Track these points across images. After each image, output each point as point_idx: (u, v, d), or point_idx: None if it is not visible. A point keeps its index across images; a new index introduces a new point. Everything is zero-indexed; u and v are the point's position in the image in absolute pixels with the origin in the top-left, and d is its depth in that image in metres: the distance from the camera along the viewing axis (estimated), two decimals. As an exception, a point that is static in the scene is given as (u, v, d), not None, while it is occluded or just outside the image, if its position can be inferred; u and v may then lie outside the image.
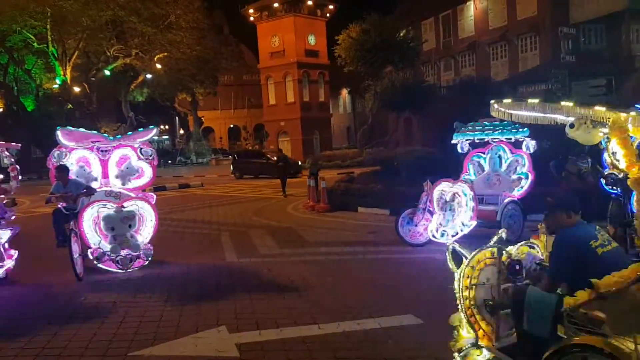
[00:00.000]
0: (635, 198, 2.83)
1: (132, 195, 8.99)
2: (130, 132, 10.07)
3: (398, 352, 5.02)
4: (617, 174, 7.80)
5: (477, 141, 10.62)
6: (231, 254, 9.83)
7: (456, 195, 9.51)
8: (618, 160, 2.89)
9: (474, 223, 9.55)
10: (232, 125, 65.95)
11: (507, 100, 3.44)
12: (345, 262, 8.90)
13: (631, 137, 3.66)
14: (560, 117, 3.40)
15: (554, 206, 3.75)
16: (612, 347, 3.02)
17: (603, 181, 8.61)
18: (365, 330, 5.62)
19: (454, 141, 10.68)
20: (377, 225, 12.14)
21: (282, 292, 7.21)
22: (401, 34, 34.19)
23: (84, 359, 5.13)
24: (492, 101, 3.48)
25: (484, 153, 10.73)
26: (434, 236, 9.42)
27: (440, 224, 9.46)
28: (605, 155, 6.86)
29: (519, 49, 33.96)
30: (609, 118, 2.97)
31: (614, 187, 8.31)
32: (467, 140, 10.58)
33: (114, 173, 9.21)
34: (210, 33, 42.07)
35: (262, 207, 16.79)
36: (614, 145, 2.90)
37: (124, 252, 8.43)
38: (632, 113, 2.98)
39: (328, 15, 45.44)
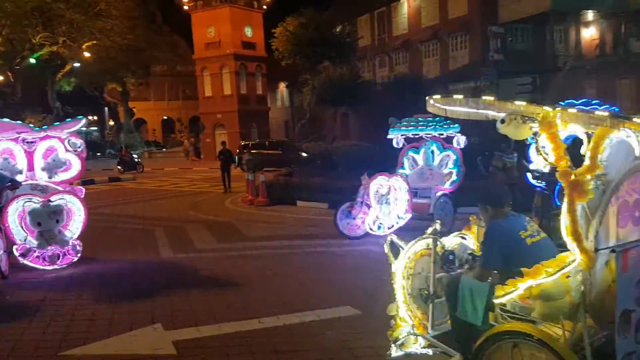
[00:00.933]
0: (565, 190, 2.98)
1: (60, 188, 8.59)
2: (57, 123, 9.60)
3: (337, 342, 5.08)
4: (542, 168, 8.23)
5: (412, 136, 10.89)
6: (166, 250, 9.59)
7: (392, 188, 9.73)
8: (547, 154, 3.03)
9: (409, 215, 9.81)
10: (165, 117, 64.24)
11: (439, 96, 3.54)
12: (284, 256, 8.90)
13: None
14: (492, 113, 3.53)
15: (484, 199, 3.90)
16: (542, 333, 3.18)
17: (529, 175, 9.05)
18: (305, 323, 5.65)
19: (389, 136, 10.91)
20: (316, 218, 12.21)
21: (220, 288, 7.12)
22: (338, 30, 34.41)
23: (11, 360, 4.87)
24: (427, 97, 3.57)
25: (417, 148, 11.02)
26: (371, 229, 9.61)
27: (377, 217, 9.64)
28: (532, 150, 7.22)
29: (450, 47, 34.99)
30: (538, 113, 3.11)
31: (539, 181, 8.76)
32: (402, 135, 10.83)
33: (40, 165, 8.77)
34: (143, 22, 40.62)
35: (199, 202, 16.48)
36: (544, 139, 3.05)
37: (51, 248, 8.04)
38: (570, 110, 3.14)
39: (265, 7, 44.98)
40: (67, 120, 9.51)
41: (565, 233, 2.94)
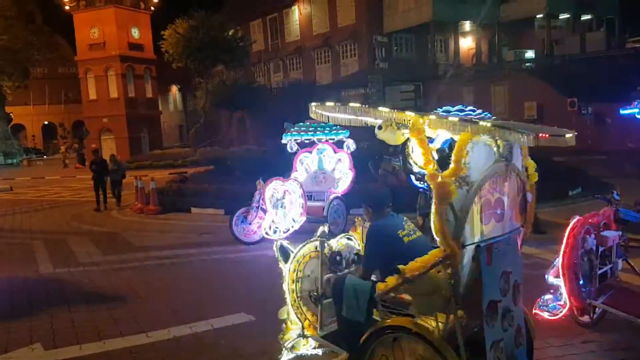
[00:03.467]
0: (433, 191, 3.21)
1: None
2: None
3: (230, 351, 5.05)
4: (424, 170, 8.71)
5: (305, 141, 11.08)
6: (46, 265, 8.96)
7: (287, 193, 9.82)
8: (417, 158, 3.24)
9: (304, 219, 9.95)
10: (46, 122, 59.94)
11: (317, 104, 3.67)
12: (176, 266, 8.67)
13: (431, 138, 4.16)
14: (370, 120, 3.71)
15: (365, 201, 4.08)
16: (418, 326, 3.38)
17: (412, 177, 9.53)
18: (197, 333, 5.55)
19: (283, 141, 11.01)
20: (211, 225, 12.00)
21: (105, 303, 6.77)
22: (230, 33, 34.16)
23: None
24: (311, 104, 3.68)
25: (310, 152, 11.23)
26: (267, 233, 9.62)
27: (273, 221, 9.68)
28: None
29: (341, 55, 36.01)
30: (409, 120, 3.32)
31: (421, 182, 9.27)
32: (295, 140, 10.98)
33: None
34: (20, 21, 37.73)
35: (82, 212, 15.54)
36: (414, 144, 3.26)
37: None
38: (431, 116, 3.37)
39: (152, 8, 43.51)
40: None
41: (434, 230, 3.16)
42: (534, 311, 5.13)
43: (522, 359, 3.59)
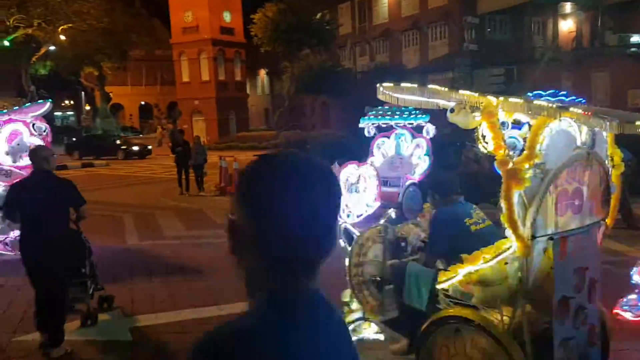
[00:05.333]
0: (503, 178, 3.03)
1: (24, 173, 8.43)
2: (21, 106, 9.41)
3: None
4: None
5: (384, 125, 10.93)
6: (133, 237, 9.52)
7: (361, 177, 9.75)
8: (487, 143, 3.07)
9: (378, 204, 9.83)
10: (143, 103, 63.35)
11: (389, 84, 3.56)
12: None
13: (519, 125, 3.94)
14: (442, 102, 3.56)
15: (432, 187, 3.95)
16: (482, 318, 3.24)
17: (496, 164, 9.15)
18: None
19: (361, 125, 10.93)
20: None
21: (184, 275, 7.09)
22: (317, 16, 34.24)
23: (-38, 345, 4.81)
24: (378, 84, 3.58)
25: (388, 137, 11.06)
26: (340, 217, 9.63)
27: (347, 205, 9.66)
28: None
29: (429, 37, 35.03)
30: (481, 103, 3.15)
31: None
32: (373, 124, 10.86)
33: (4, 149, 8.59)
34: (120, 5, 39.93)
35: (171, 188, 16.31)
36: (484, 128, 3.08)
37: (14, 234, 7.92)
38: (510, 99, 3.17)
39: (244, -8, 44.53)
40: (33, 103, 9.33)
41: (503, 220, 2.99)
42: (615, 311, 4.77)
43: (595, 360, 3.35)
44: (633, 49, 31.37)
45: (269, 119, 55.14)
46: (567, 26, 35.48)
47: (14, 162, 8.61)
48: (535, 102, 3.14)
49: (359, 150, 11.57)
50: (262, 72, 58.97)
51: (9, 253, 7.93)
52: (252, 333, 0.99)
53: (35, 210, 4.49)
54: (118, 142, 31.81)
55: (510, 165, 2.95)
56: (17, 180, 5.79)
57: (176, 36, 42.68)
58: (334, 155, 11.12)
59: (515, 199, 2.96)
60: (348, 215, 9.58)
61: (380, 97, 3.66)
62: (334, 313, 1.10)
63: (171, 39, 43.41)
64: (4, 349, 4.82)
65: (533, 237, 3.03)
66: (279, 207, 0.99)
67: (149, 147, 31.62)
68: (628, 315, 4.81)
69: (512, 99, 3.19)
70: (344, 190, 9.46)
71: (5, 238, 7.93)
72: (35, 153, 4.88)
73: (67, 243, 4.77)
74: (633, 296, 4.86)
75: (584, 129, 3.20)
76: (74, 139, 34.17)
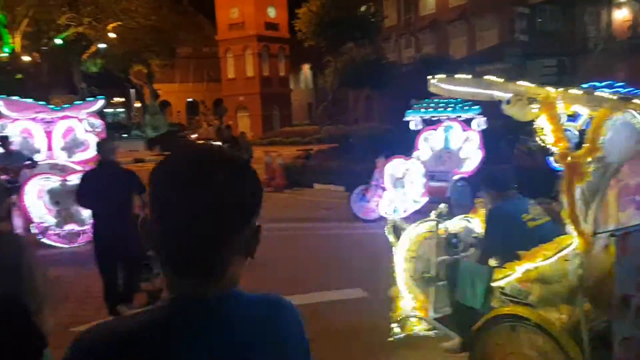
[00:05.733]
0: (562, 173, 2.91)
1: (78, 168, 8.73)
2: (74, 103, 9.74)
3: (342, 323, 5.10)
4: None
5: (431, 119, 10.75)
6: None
7: (408, 172, 9.64)
8: (546, 136, 2.96)
9: (425, 199, 9.72)
10: (190, 100, 64.60)
11: (441, 76, 3.47)
12: (298, 238, 8.93)
13: (573, 117, 3.79)
14: (497, 94, 3.45)
15: (487, 182, 3.84)
16: (538, 316, 3.13)
17: (551, 159, 8.85)
18: (312, 304, 5.67)
19: (407, 118, 10.79)
20: (332, 201, 12.19)
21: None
22: (362, 9, 34.01)
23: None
24: (429, 77, 3.50)
25: (436, 130, 10.87)
26: (385, 212, 9.54)
27: (392, 200, 9.58)
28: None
29: (477, 27, 34.28)
30: (540, 94, 3.03)
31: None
32: (419, 117, 10.70)
33: (59, 145, 8.92)
34: (167, 2, 40.79)
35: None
36: (543, 120, 2.97)
37: (69, 227, 8.21)
38: (569, 90, 3.04)
39: (289, -13, 44.73)
40: (89, 99, 9.64)
41: (563, 215, 2.88)
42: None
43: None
44: (694, 37, 29.78)
45: (311, 113, 55.30)
46: (621, 15, 34.01)
47: (69, 157, 8.93)
48: (596, 93, 3.00)
49: (405, 145, 11.43)
50: (306, 67, 59.07)
51: (64, 246, 8.23)
52: (122, 335, 0.96)
53: (108, 194, 4.86)
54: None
55: (571, 159, 2.83)
56: (87, 170, 6.08)
57: (222, 33, 43.30)
58: (378, 150, 11.05)
59: (577, 193, 2.83)
60: (394, 211, 9.59)
61: (431, 89, 3.57)
62: (254, 320, 1.01)
63: (217, 36, 44.05)
64: (61, 340, 5.00)
65: (594, 233, 2.90)
66: (160, 206, 0.96)
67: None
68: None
69: (572, 90, 3.05)
70: (388, 185, 9.42)
71: (61, 231, 8.22)
72: (102, 145, 5.39)
73: (136, 226, 4.96)
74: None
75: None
76: (154, 135, 35.77)
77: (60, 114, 8.88)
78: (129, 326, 0.97)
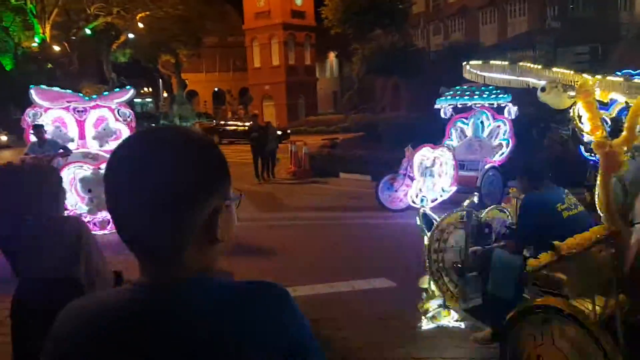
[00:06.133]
0: (599, 162, 2.84)
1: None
2: (104, 93, 9.88)
3: (370, 313, 5.09)
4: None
5: (460, 106, 10.60)
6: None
7: (437, 160, 9.54)
8: (582, 124, 2.88)
9: (454, 189, 9.61)
10: (216, 89, 65.01)
11: (476, 62, 3.40)
12: (324, 227, 8.94)
13: (606, 106, 3.69)
14: (532, 81, 3.37)
15: (522, 171, 3.77)
16: (572, 308, 3.08)
17: (582, 148, 8.66)
18: (339, 292, 5.69)
19: (437, 106, 10.66)
20: (358, 191, 12.16)
21: (256, 256, 7.22)
22: (390, -5, 33.59)
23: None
24: (464, 62, 3.44)
25: (466, 119, 10.72)
26: (413, 202, 9.47)
27: (420, 190, 9.50)
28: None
29: (508, 13, 33.61)
30: (577, 81, 2.95)
31: (593, 154, 8.37)
32: (450, 105, 10.56)
33: (91, 134, 9.08)
34: (194, -9, 41.02)
35: (243, 172, 16.67)
36: (580, 108, 2.89)
37: (101, 214, 8.37)
38: (607, 77, 2.96)
39: (315, -25, 44.46)
40: (116, 90, 9.77)
41: (598, 205, 2.81)
42: None
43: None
44: None
45: (337, 102, 55.09)
46: (656, 0, 32.86)
47: (101, 146, 9.08)
48: (635, 80, 2.91)
49: (433, 133, 11.30)
50: (331, 55, 58.78)
51: (97, 232, 8.39)
52: (88, 313, 0.96)
53: None
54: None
55: (608, 148, 2.76)
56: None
57: (248, 22, 43.35)
58: (406, 138, 10.96)
59: (613, 183, 2.76)
60: (422, 200, 9.51)
61: (466, 75, 3.51)
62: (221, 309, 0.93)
63: (244, 25, 44.11)
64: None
65: (631, 223, 2.82)
66: (108, 188, 0.94)
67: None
68: None
69: (610, 77, 2.97)
70: (417, 174, 9.33)
71: (94, 219, 8.39)
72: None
73: None
74: None
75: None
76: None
77: (92, 103, 9.02)
78: (95, 305, 0.97)
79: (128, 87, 9.81)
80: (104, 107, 9.08)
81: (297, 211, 10.34)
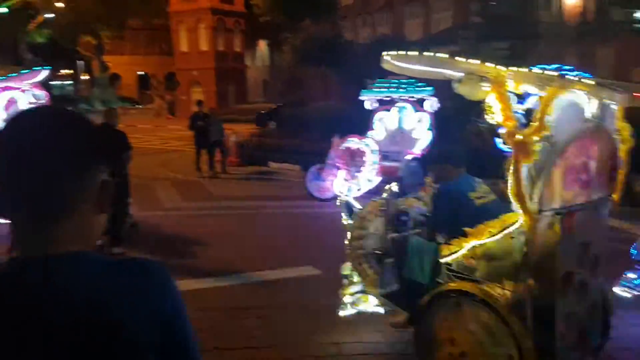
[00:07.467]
0: (509, 152, 2.96)
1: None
2: (14, 74, 9.24)
3: (294, 301, 5.10)
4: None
5: (385, 99, 10.77)
6: (132, 207, 9.44)
7: (361, 151, 9.68)
8: (495, 114, 2.99)
9: (379, 179, 9.79)
10: (141, 73, 62.66)
11: (394, 53, 3.45)
12: (251, 216, 8.86)
13: (522, 99, 3.85)
14: (448, 72, 3.46)
15: (443, 158, 3.87)
16: (483, 292, 3.20)
17: (498, 140, 9.04)
18: (264, 282, 5.66)
19: (362, 98, 10.78)
20: (287, 180, 12.15)
21: (180, 246, 7.06)
22: (319, -15, 33.64)
23: None
24: (383, 53, 3.47)
25: (389, 111, 10.92)
26: (340, 191, 9.57)
27: (346, 180, 9.61)
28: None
29: (433, 9, 34.50)
30: (490, 72, 3.05)
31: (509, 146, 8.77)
32: (374, 97, 10.71)
33: (1, 117, 8.47)
34: (116, -29, 39.22)
35: (169, 160, 16.25)
36: (492, 99, 2.99)
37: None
38: (519, 69, 3.07)
39: (244, -39, 43.66)
40: (28, 71, 9.16)
41: (510, 193, 2.93)
42: (614, 288, 4.75)
43: (595, 335, 3.33)
44: (638, 25, 30.86)
45: (268, 90, 54.65)
46: (572, 0, 34.87)
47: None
48: (545, 72, 3.05)
49: (360, 124, 11.44)
50: (262, 43, 58.15)
51: None
52: None
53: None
54: None
55: (519, 137, 2.87)
56: None
57: (174, 4, 41.97)
58: (334, 129, 11.03)
59: (524, 172, 2.89)
60: (348, 190, 9.62)
61: (384, 66, 3.55)
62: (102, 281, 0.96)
63: (169, 8, 42.70)
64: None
65: (540, 211, 2.97)
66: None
67: None
68: (627, 293, 4.79)
69: (522, 69, 3.09)
70: (343, 164, 9.44)
71: None
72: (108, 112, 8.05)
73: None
74: (632, 275, 4.83)
75: (594, 101, 3.11)
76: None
77: (2, 85, 8.41)
78: None
79: (42, 67, 9.22)
80: (15, 89, 8.49)
81: (224, 200, 10.18)
